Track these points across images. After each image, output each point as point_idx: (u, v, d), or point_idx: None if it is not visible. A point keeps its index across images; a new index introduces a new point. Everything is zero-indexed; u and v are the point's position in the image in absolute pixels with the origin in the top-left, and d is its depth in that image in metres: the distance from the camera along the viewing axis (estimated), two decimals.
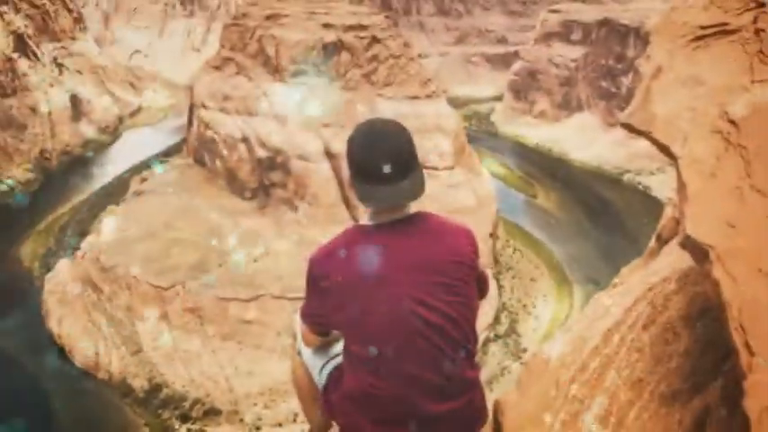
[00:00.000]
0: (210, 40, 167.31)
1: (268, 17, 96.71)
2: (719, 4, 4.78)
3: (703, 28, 4.80)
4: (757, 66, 4.43)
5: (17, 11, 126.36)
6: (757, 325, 3.17)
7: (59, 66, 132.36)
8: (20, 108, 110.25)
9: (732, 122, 4.23)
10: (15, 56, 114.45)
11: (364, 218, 3.93)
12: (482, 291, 4.01)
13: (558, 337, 7.90)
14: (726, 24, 4.70)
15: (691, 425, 4.26)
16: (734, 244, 3.87)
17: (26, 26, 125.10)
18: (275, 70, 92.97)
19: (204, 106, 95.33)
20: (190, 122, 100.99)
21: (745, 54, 4.52)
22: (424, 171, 3.84)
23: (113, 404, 60.31)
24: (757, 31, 4.50)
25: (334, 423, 4.46)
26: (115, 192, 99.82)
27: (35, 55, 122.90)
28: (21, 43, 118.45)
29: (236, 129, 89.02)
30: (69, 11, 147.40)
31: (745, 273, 3.65)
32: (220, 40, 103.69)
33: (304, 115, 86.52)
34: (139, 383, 61.87)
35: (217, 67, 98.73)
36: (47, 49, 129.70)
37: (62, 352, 65.35)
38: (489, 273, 71.71)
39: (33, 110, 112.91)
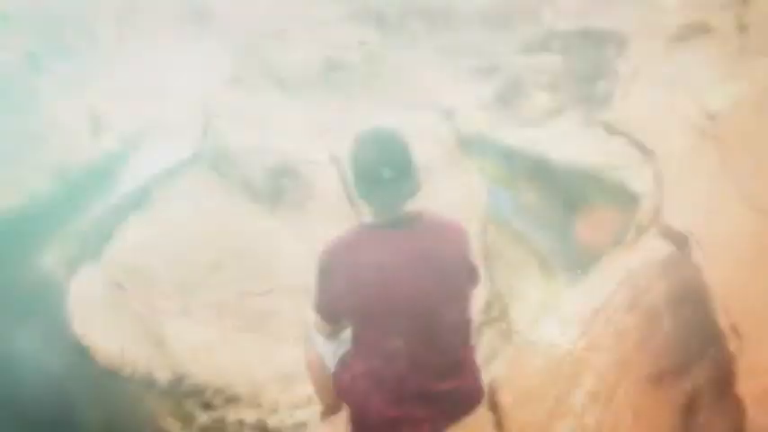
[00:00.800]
0: (221, 58, 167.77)
1: (273, 36, 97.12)
2: (692, 4, 4.74)
3: (678, 28, 4.76)
4: (730, 62, 4.39)
5: None
6: (738, 306, 3.12)
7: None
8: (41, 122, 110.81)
9: (708, 117, 4.18)
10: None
11: (367, 217, 3.97)
12: (474, 280, 4.06)
13: (546, 320, 7.84)
14: (699, 24, 4.67)
15: (680, 404, 4.20)
16: (711, 230, 3.82)
17: None
18: (281, 85, 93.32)
19: (217, 118, 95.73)
20: (204, 134, 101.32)
21: (718, 52, 4.48)
22: (420, 173, 3.89)
23: (138, 396, 60.54)
24: (730, 30, 4.46)
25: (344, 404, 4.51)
26: (135, 199, 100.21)
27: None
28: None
29: (248, 139, 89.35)
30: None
31: (723, 257, 3.60)
32: (230, 57, 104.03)
33: (309, 125, 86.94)
34: (163, 376, 62.14)
35: (227, 82, 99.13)
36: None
37: (88, 349, 65.89)
38: (481, 263, 71.90)
39: (54, 123, 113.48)
